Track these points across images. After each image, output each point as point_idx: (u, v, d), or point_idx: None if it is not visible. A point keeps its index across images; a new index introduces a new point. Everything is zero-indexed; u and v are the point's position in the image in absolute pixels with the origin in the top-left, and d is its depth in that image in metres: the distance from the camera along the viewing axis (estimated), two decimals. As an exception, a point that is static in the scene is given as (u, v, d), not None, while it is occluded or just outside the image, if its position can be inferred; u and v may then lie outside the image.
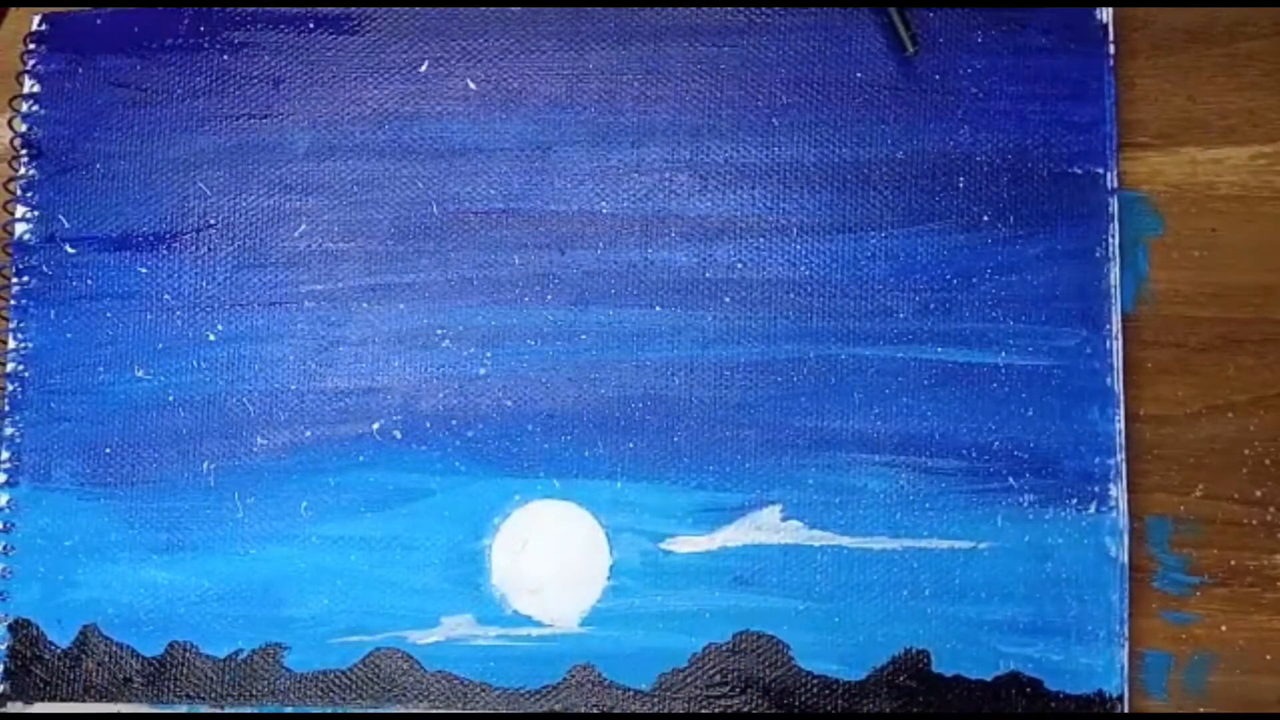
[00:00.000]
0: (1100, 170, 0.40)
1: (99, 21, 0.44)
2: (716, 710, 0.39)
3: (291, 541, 0.41)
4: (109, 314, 0.43)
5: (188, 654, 0.41)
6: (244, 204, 0.43)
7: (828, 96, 0.41)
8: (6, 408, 0.42)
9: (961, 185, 0.40)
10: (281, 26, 0.43)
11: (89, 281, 0.43)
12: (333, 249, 0.42)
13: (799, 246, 0.41)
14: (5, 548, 0.42)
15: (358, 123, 0.42)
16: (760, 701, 0.39)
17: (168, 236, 0.43)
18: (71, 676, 0.41)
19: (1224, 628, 0.39)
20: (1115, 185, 0.40)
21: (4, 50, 0.45)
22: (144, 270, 0.43)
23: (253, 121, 0.43)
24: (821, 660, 0.39)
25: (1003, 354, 0.39)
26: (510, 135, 0.42)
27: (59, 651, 0.41)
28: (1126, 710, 0.38)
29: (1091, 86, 0.40)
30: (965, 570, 0.39)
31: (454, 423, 0.41)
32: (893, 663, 0.38)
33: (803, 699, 0.39)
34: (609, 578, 0.40)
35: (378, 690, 0.40)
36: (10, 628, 0.41)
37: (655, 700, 0.39)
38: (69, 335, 0.43)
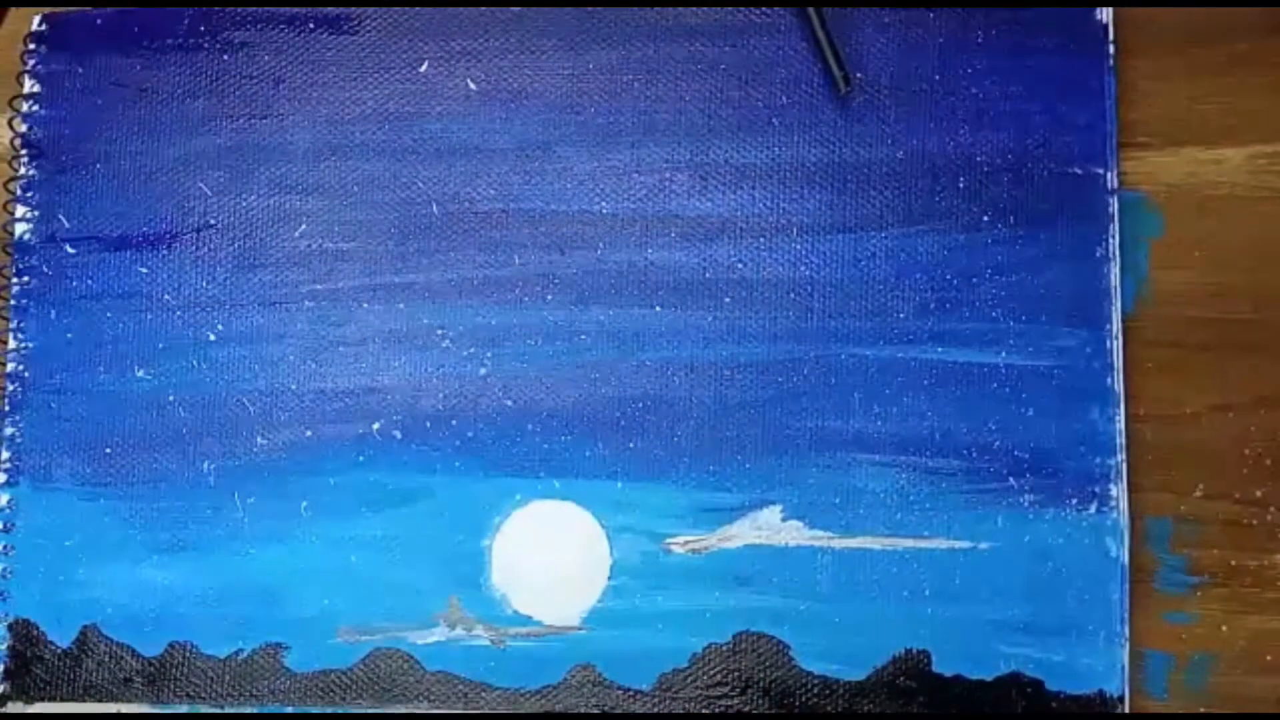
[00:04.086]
0: (1100, 170, 0.40)
1: (99, 21, 0.44)
2: (716, 710, 0.39)
3: (291, 541, 0.41)
4: (109, 314, 0.43)
5: (188, 654, 0.41)
6: (244, 204, 0.43)
7: (828, 96, 0.41)
8: (6, 408, 0.42)
9: (961, 185, 0.40)
10: (281, 26, 0.43)
11: (89, 281, 0.43)
12: (333, 249, 0.42)
13: (799, 246, 0.41)
14: (5, 548, 0.42)
15: (358, 123, 0.42)
16: (760, 701, 0.39)
17: (168, 236, 0.43)
18: (71, 676, 0.41)
19: (1224, 628, 0.39)
20: (1115, 185, 0.40)
21: (4, 50, 0.45)
22: (144, 270, 0.43)
23: (253, 121, 0.43)
24: (821, 660, 0.39)
25: (1003, 354, 0.39)
26: (510, 135, 0.42)
27: (59, 651, 0.41)
28: (1127, 710, 0.38)
29: (1091, 86, 0.40)
30: (965, 570, 0.39)
31: (454, 423, 0.41)
32: (893, 663, 0.38)
33: (803, 699, 0.39)
34: (609, 578, 0.40)
35: (378, 690, 0.40)
36: (10, 628, 0.41)
37: (655, 700, 0.39)
38: (69, 335, 0.43)
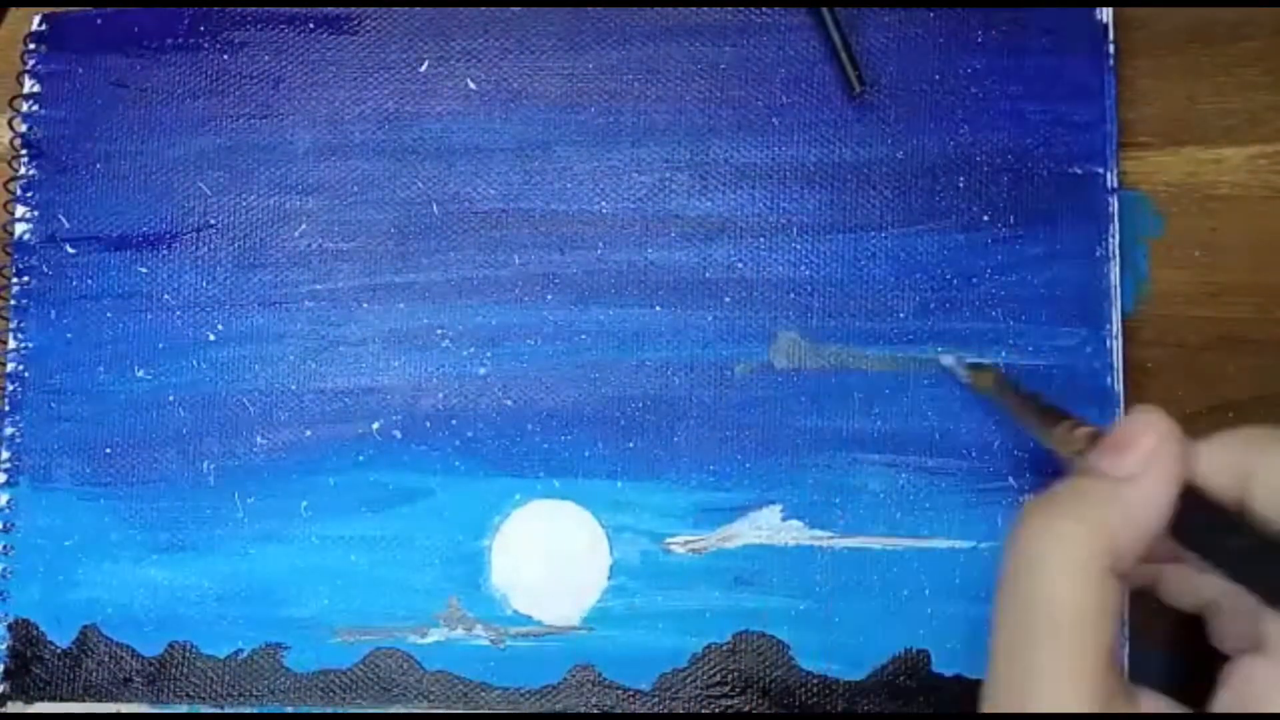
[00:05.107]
0: (1100, 170, 0.40)
1: (99, 21, 0.44)
2: (716, 710, 0.39)
3: (291, 541, 0.41)
4: (109, 314, 0.43)
5: (188, 654, 0.41)
6: (244, 204, 0.43)
7: (828, 96, 0.41)
8: (6, 408, 0.42)
9: (961, 185, 0.40)
10: (281, 26, 0.43)
11: (89, 281, 0.43)
12: (333, 249, 0.42)
13: (799, 246, 0.41)
14: (5, 548, 0.42)
15: (358, 123, 0.42)
16: (760, 701, 0.39)
17: (168, 236, 0.43)
18: (71, 676, 0.41)
19: (1224, 628, 0.39)
20: (1115, 185, 0.40)
21: (4, 50, 0.45)
22: (144, 270, 0.43)
23: (253, 121, 0.43)
24: (821, 660, 0.39)
25: (1003, 354, 0.39)
26: (510, 135, 0.42)
27: (59, 651, 0.41)
28: (1126, 710, 0.38)
29: (1091, 86, 0.40)
30: (965, 570, 0.39)
31: (454, 422, 0.41)
32: (893, 663, 0.38)
33: (803, 699, 0.39)
34: (609, 578, 0.40)
35: (378, 690, 0.40)
36: (10, 628, 0.41)
37: (655, 700, 0.39)
38: (69, 335, 0.43)
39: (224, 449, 0.42)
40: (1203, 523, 0.27)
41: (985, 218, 0.40)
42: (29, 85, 0.44)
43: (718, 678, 0.39)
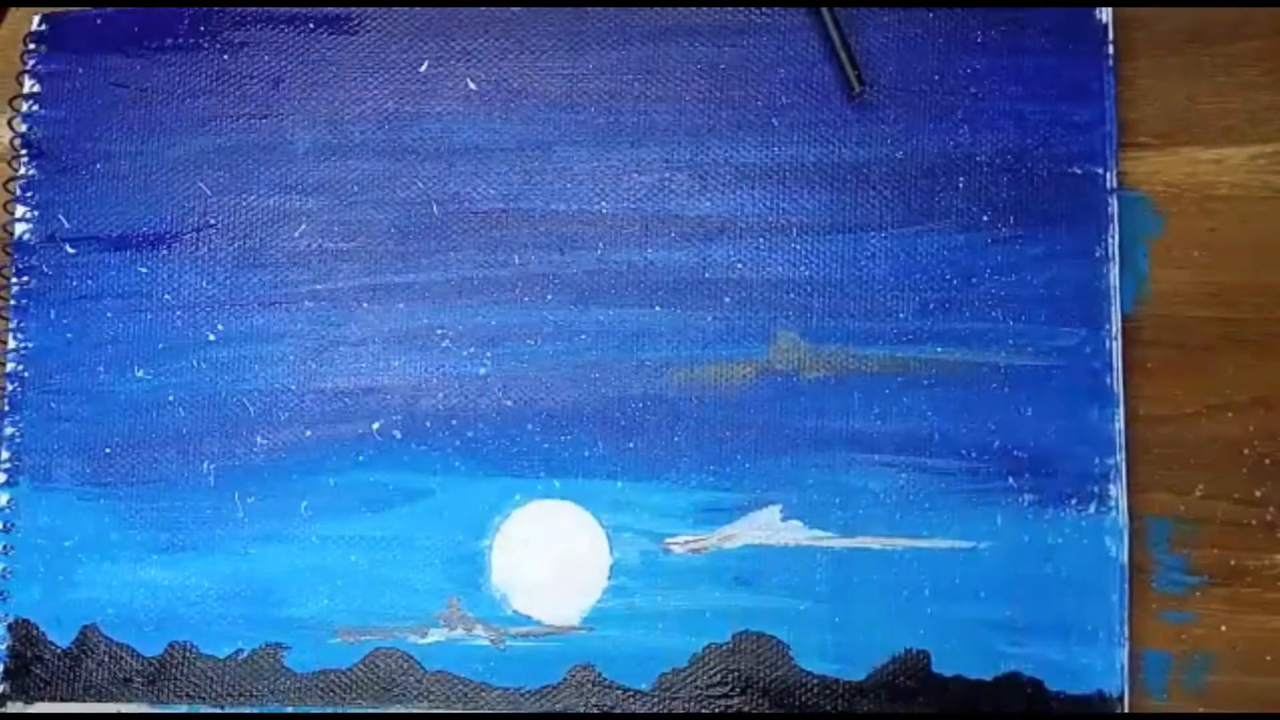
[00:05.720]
0: (1100, 170, 0.40)
1: (99, 21, 0.44)
2: (716, 710, 0.39)
3: (291, 541, 0.41)
4: (109, 314, 0.43)
5: (188, 654, 0.41)
6: (244, 204, 0.43)
7: (828, 96, 0.41)
8: (6, 408, 0.43)
9: (961, 185, 0.40)
10: (281, 26, 0.43)
11: (89, 281, 0.43)
12: (333, 249, 0.42)
13: (799, 246, 0.41)
14: (5, 548, 0.42)
15: (358, 123, 0.42)
16: (760, 701, 0.39)
17: (168, 236, 0.43)
18: (71, 676, 0.41)
19: (1224, 628, 0.39)
20: (1115, 185, 0.40)
21: (4, 50, 0.45)
22: (144, 270, 0.43)
23: (253, 121, 0.43)
24: (821, 660, 0.39)
25: (1003, 354, 0.39)
26: (510, 135, 0.42)
27: (59, 651, 0.41)
28: (1126, 710, 0.38)
29: (1091, 86, 0.40)
30: (965, 570, 0.39)
31: (454, 422, 0.41)
32: (893, 663, 0.39)
33: (803, 699, 0.39)
34: (609, 578, 0.40)
35: (377, 690, 0.40)
36: (10, 628, 0.41)
37: (655, 700, 0.39)
38: (69, 335, 0.43)
39: (224, 449, 0.42)
40: None
41: (985, 218, 0.40)
42: (29, 85, 0.44)
43: (718, 678, 0.39)
